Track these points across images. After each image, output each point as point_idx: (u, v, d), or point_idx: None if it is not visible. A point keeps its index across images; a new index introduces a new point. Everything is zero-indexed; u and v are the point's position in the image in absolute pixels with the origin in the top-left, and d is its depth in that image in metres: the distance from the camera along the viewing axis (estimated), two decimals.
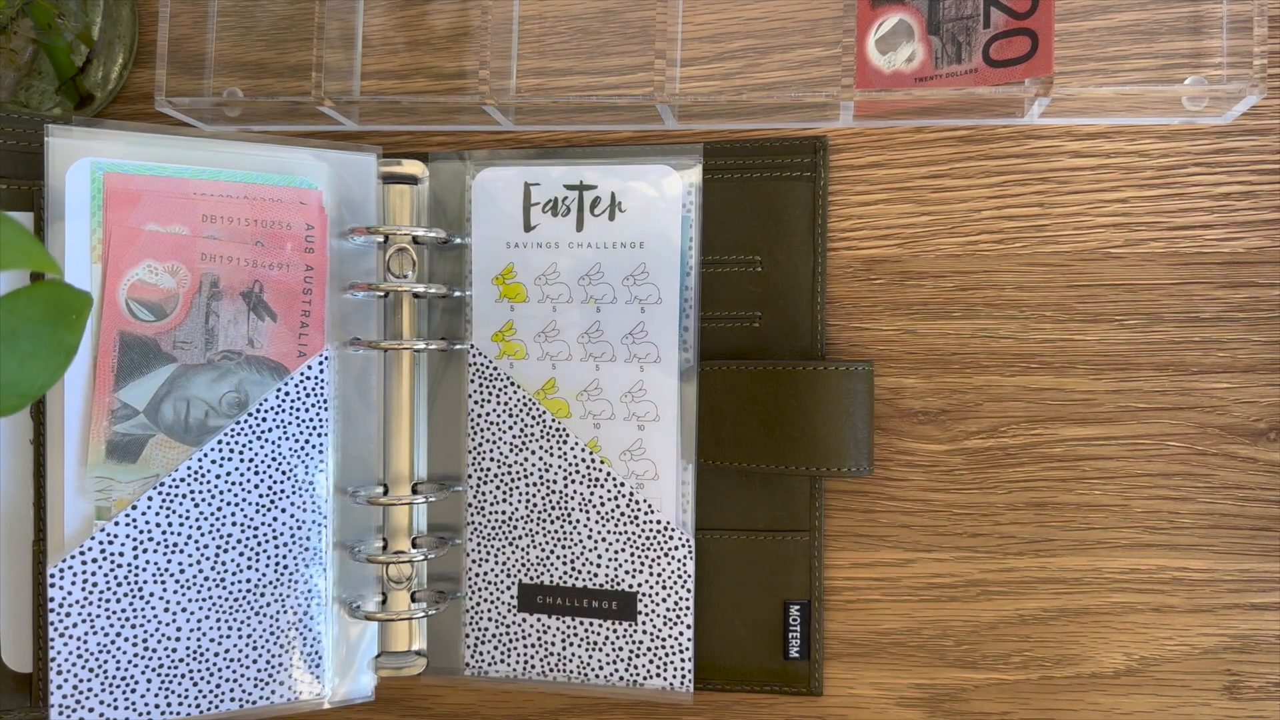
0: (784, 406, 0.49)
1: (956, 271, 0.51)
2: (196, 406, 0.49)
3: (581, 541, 0.52)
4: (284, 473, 0.50)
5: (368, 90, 0.55)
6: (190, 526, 0.48)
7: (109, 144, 0.48)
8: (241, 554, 0.49)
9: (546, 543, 0.52)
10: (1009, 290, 0.51)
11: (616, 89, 0.53)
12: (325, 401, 0.51)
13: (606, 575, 0.51)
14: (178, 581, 0.48)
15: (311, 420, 0.51)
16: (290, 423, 0.50)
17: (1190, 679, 0.50)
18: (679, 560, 0.51)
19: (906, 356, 0.51)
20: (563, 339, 0.52)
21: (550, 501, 0.52)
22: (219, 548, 0.49)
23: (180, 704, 0.48)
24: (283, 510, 0.50)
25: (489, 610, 0.53)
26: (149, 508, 0.48)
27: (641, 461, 0.51)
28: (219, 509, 0.49)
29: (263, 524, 0.50)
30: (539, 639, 0.52)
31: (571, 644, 0.52)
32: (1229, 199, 0.50)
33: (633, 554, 0.51)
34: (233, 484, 0.49)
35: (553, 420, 0.52)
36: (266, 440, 0.50)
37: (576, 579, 0.52)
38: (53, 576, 0.47)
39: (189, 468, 0.49)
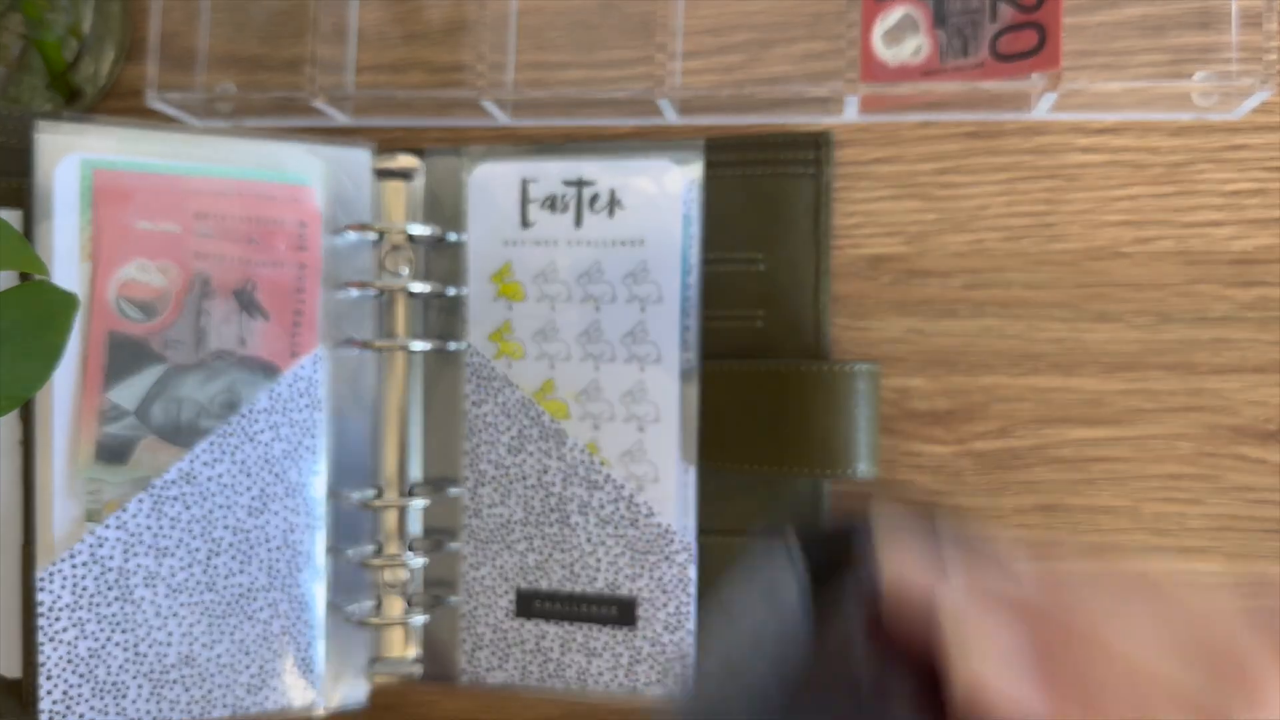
0: (787, 407, 0.48)
1: (963, 270, 0.51)
2: (187, 407, 0.48)
3: (580, 545, 0.51)
4: (276, 475, 0.50)
5: (362, 85, 0.54)
6: (181, 530, 0.48)
7: (99, 140, 0.48)
8: (233, 558, 0.49)
9: (544, 547, 0.51)
10: (1017, 289, 0.50)
11: (616, 83, 0.53)
12: (318, 402, 0.50)
13: (605, 580, 0.51)
14: (168, 585, 0.48)
15: (304, 421, 0.50)
16: (282, 424, 0.50)
17: None
18: (680, 565, 0.50)
19: (912, 356, 0.51)
20: (561, 338, 0.51)
21: (548, 504, 0.51)
22: (210, 551, 0.49)
23: (171, 710, 0.48)
24: (275, 513, 0.50)
25: (485, 616, 0.52)
26: (139, 510, 0.47)
27: (642, 463, 0.50)
28: (210, 512, 0.49)
29: (254, 527, 0.49)
30: (536, 645, 0.51)
31: (569, 650, 0.51)
32: (1239, 196, 0.49)
33: (632, 558, 0.51)
34: (224, 486, 0.49)
35: (551, 421, 0.51)
36: (258, 442, 0.49)
37: (575, 584, 0.51)
38: (42, 580, 0.46)
39: (180, 470, 0.48)
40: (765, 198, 0.51)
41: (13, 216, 0.49)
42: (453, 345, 0.52)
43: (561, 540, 0.51)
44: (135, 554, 0.47)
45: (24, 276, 0.47)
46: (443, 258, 0.53)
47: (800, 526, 0.33)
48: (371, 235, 0.51)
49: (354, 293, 0.51)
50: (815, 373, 0.48)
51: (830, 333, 0.51)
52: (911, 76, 0.48)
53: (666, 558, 0.50)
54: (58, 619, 0.46)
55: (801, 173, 0.51)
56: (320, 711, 0.51)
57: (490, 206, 0.52)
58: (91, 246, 0.47)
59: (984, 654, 0.26)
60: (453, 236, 0.53)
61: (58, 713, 0.46)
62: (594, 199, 0.51)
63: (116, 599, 0.47)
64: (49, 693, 0.46)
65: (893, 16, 0.48)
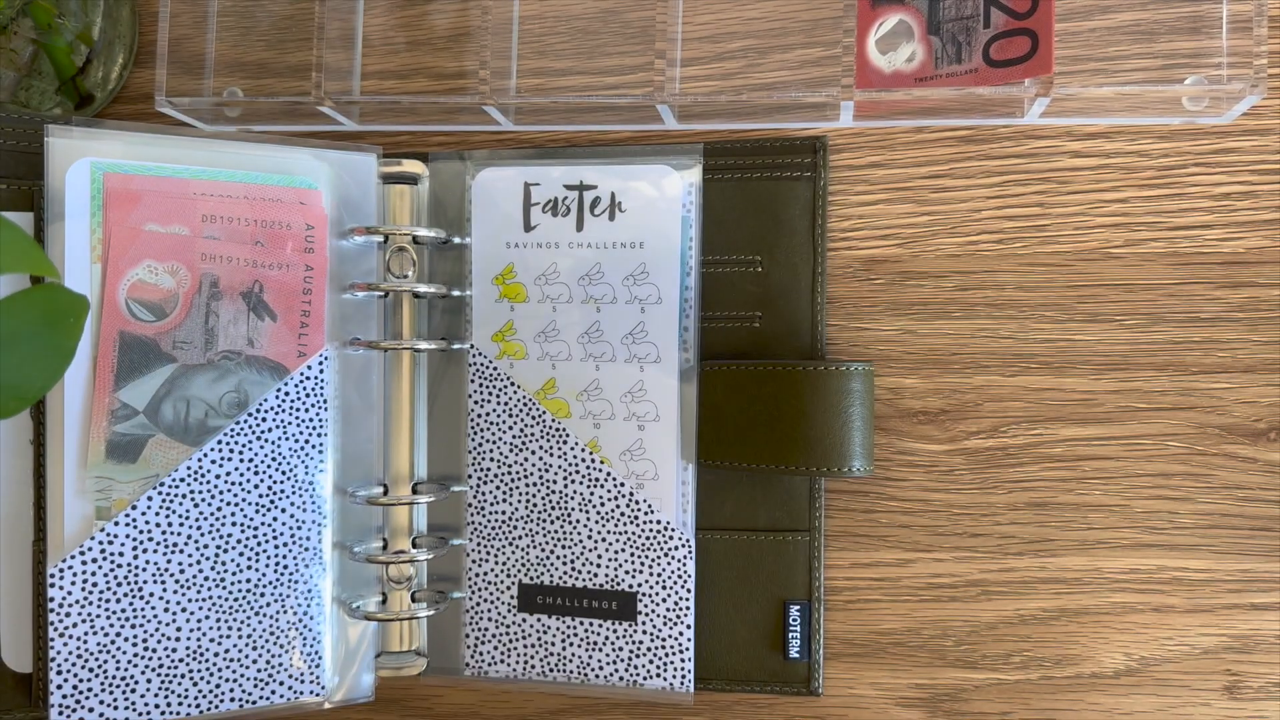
0: (784, 406, 0.49)
1: (956, 271, 0.51)
2: (196, 406, 0.49)
3: (581, 541, 0.52)
4: (284, 473, 0.50)
5: (368, 90, 0.55)
6: (190, 526, 0.48)
7: (109, 144, 0.48)
8: (241, 554, 0.49)
9: (546, 543, 0.52)
10: (1009, 290, 0.51)
11: (616, 89, 0.53)
12: (325, 401, 0.51)
13: (606, 575, 0.51)
14: (178, 581, 0.48)
15: (311, 420, 0.51)
16: (290, 423, 0.50)
17: (1190, 679, 0.50)
18: (679, 560, 0.51)
19: (906, 356, 0.51)
20: (563, 339, 0.52)
21: (550, 501, 0.52)
22: (219, 548, 0.49)
23: (180, 704, 0.48)
24: (283, 510, 0.50)
25: (489, 610, 0.53)
26: (149, 508, 0.48)
27: (641, 461, 0.51)
28: (219, 509, 0.49)
29: (262, 524, 0.50)
30: (539, 639, 0.52)
31: (571, 644, 0.52)
32: (1229, 199, 0.50)
33: (633, 554, 0.51)
34: (232, 484, 0.49)
35: (553, 420, 0.52)
36: (266, 440, 0.50)
37: (576, 579, 0.52)
38: (53, 576, 0.47)
39: (189, 468, 0.48)
40: (762, 201, 0.52)
41: (24, 219, 0.50)
42: (456, 345, 0.53)
43: (563, 536, 0.52)
44: (145, 550, 0.48)
45: (35, 279, 0.48)
46: (447, 260, 0.54)
47: None
48: (377, 238, 0.52)
49: (360, 294, 0.52)
50: (811, 372, 0.49)
51: (826, 333, 0.52)
52: (906, 83, 0.48)
53: (666, 553, 0.51)
54: (68, 614, 0.47)
55: (798, 177, 0.51)
56: (327, 705, 0.51)
57: (493, 210, 0.53)
58: (102, 249, 0.47)
59: None
60: (457, 239, 0.53)
61: (68, 707, 0.47)
62: (595, 203, 0.52)
63: (126, 595, 0.48)
64: (59, 687, 0.47)
65: (887, 24, 0.49)
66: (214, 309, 0.49)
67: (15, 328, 0.38)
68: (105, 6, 0.55)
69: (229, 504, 0.49)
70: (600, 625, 0.51)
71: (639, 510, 0.51)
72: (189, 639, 0.48)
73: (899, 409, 0.51)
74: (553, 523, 0.52)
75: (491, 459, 0.53)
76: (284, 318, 0.50)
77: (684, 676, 0.51)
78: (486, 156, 0.53)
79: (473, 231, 0.53)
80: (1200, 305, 0.50)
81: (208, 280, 0.49)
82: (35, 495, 0.49)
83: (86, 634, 0.47)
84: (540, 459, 0.52)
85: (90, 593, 0.47)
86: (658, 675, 0.51)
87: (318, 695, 0.51)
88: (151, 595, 0.48)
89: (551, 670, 0.52)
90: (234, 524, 0.49)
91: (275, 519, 0.50)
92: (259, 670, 0.50)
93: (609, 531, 0.51)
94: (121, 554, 0.47)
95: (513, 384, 0.52)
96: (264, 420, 0.50)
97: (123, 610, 0.48)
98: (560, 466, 0.52)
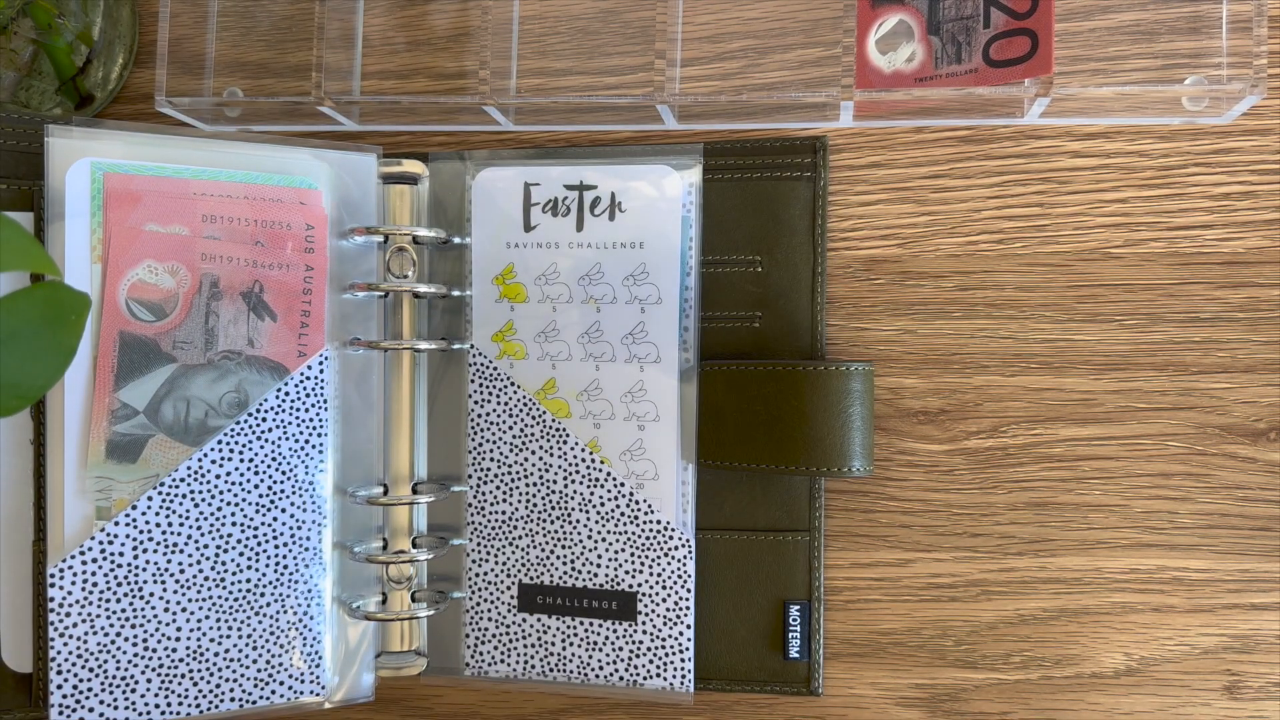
0: (784, 406, 0.49)
1: (956, 271, 0.51)
2: (196, 406, 0.49)
3: (581, 541, 0.52)
4: (284, 473, 0.50)
5: (368, 90, 0.55)
6: (190, 526, 0.48)
7: (109, 144, 0.48)
8: (241, 554, 0.49)
9: (546, 543, 0.52)
10: (1009, 290, 0.51)
11: (616, 89, 0.53)
12: (325, 401, 0.51)
13: (606, 575, 0.51)
14: (178, 581, 0.48)
15: (311, 420, 0.51)
16: (290, 423, 0.50)
17: (1190, 679, 0.50)
18: (679, 560, 0.51)
19: (906, 356, 0.51)
20: (563, 339, 0.52)
21: (550, 501, 0.52)
22: (219, 548, 0.49)
23: (180, 704, 0.48)
24: (283, 510, 0.50)
25: (489, 610, 0.53)
26: (149, 508, 0.48)
27: (641, 461, 0.51)
28: (219, 509, 0.49)
29: (263, 524, 0.50)
30: (539, 639, 0.52)
31: (571, 644, 0.52)
32: (1229, 199, 0.50)
33: (633, 554, 0.51)
34: (233, 484, 0.49)
35: (553, 420, 0.52)
36: (266, 440, 0.50)
37: (576, 579, 0.52)
38: (53, 576, 0.47)
39: (189, 468, 0.49)
40: (762, 201, 0.52)
41: (24, 219, 0.50)
42: (456, 345, 0.53)
43: (563, 536, 0.52)
44: (145, 550, 0.48)
45: (35, 278, 0.48)
46: (447, 260, 0.54)
47: None
48: (377, 238, 0.52)
49: (360, 294, 0.52)
50: (811, 372, 0.49)
51: (826, 333, 0.52)
52: (905, 83, 0.49)
53: (666, 553, 0.51)
54: (68, 614, 0.47)
55: (798, 177, 0.51)
56: (327, 705, 0.51)
57: (493, 210, 0.53)
58: (102, 249, 0.47)
59: None
60: (457, 239, 0.53)
61: (68, 706, 0.47)
62: (595, 203, 0.52)
63: (126, 594, 0.48)
64: (59, 687, 0.47)
65: (887, 24, 0.49)
66: (214, 309, 0.49)
67: (16, 325, 0.38)
68: (105, 6, 0.55)
69: (229, 504, 0.49)
70: (600, 625, 0.51)
71: (639, 510, 0.51)
72: (189, 639, 0.49)
73: (899, 409, 0.51)
74: (553, 523, 0.52)
75: (491, 459, 0.53)
76: (284, 318, 0.50)
77: (684, 676, 0.51)
78: (486, 156, 0.53)
79: (473, 231, 0.53)
80: (1200, 305, 0.50)
81: (208, 280, 0.49)
82: (35, 495, 0.49)
83: (86, 634, 0.47)
84: (540, 459, 0.52)
85: (90, 593, 0.47)
86: (658, 675, 0.51)
87: (318, 695, 0.51)
88: (151, 595, 0.48)
89: (551, 670, 0.52)
90: (234, 524, 0.49)
91: (275, 519, 0.50)
92: (259, 670, 0.50)
93: (609, 531, 0.51)
94: (121, 554, 0.48)
95: (513, 384, 0.52)
96: (264, 420, 0.50)
97: (123, 610, 0.48)
98: (560, 466, 0.52)
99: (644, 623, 0.51)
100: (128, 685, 0.48)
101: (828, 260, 0.52)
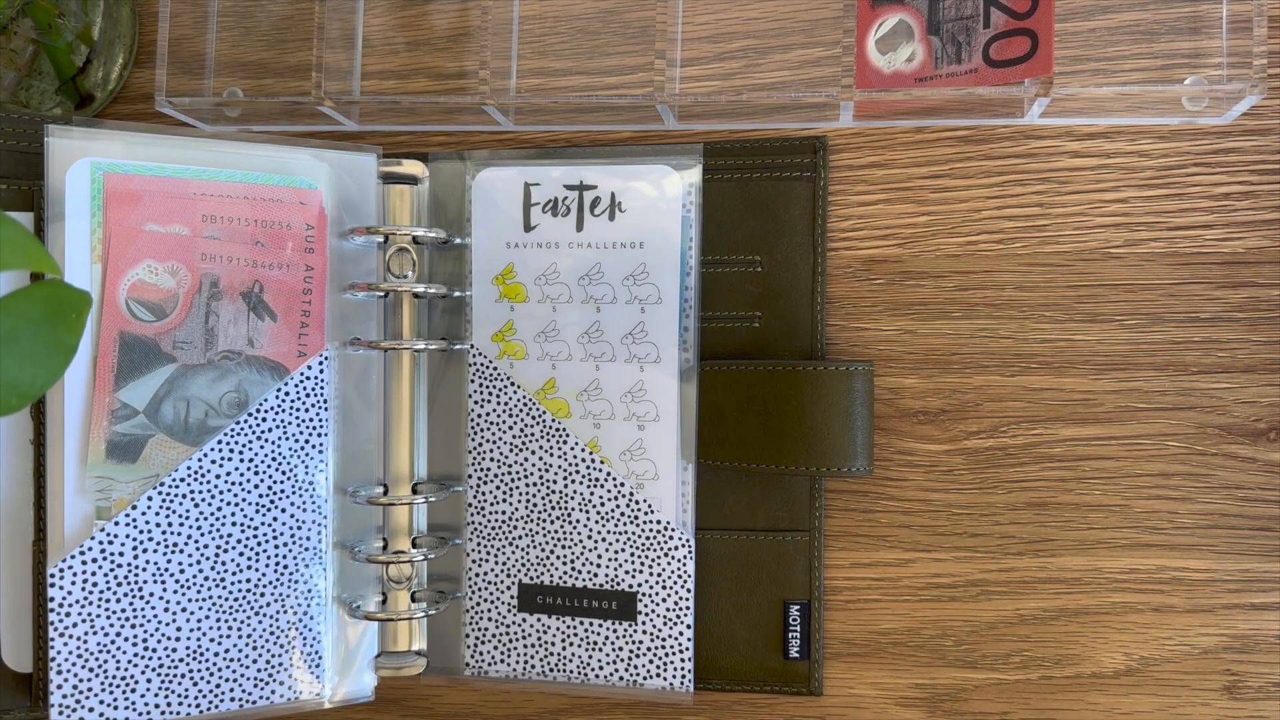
0: (784, 406, 0.49)
1: (956, 271, 0.51)
2: (196, 406, 0.49)
3: (581, 541, 0.52)
4: (284, 473, 0.50)
5: (368, 90, 0.55)
6: (190, 526, 0.48)
7: (109, 144, 0.48)
8: (241, 554, 0.49)
9: (546, 543, 0.52)
10: (1009, 290, 0.51)
11: (616, 89, 0.53)
12: (325, 401, 0.51)
13: (606, 575, 0.51)
14: (178, 581, 0.48)
15: (311, 420, 0.51)
16: (290, 423, 0.50)
17: (1190, 679, 0.50)
18: (679, 560, 0.51)
19: (906, 356, 0.51)
20: (563, 339, 0.52)
21: (550, 501, 0.52)
22: (219, 548, 0.49)
23: (180, 704, 0.48)
24: (283, 510, 0.50)
25: (489, 610, 0.53)
26: (149, 508, 0.48)
27: (641, 461, 0.51)
28: (219, 509, 0.49)
29: (263, 524, 0.50)
30: (539, 639, 0.52)
31: (571, 644, 0.52)
32: (1229, 199, 0.50)
33: (633, 554, 0.51)
34: (233, 484, 0.49)
35: (553, 420, 0.52)
36: (266, 440, 0.50)
37: (576, 579, 0.52)
38: (53, 576, 0.47)
39: (189, 468, 0.49)
40: (762, 201, 0.52)
41: (24, 219, 0.50)
42: (456, 345, 0.53)
43: (563, 536, 0.52)
44: (145, 550, 0.48)
45: (35, 277, 0.48)
46: (447, 260, 0.54)
47: None
48: (377, 238, 0.52)
49: (360, 294, 0.52)
50: (811, 372, 0.49)
51: (826, 333, 0.52)
52: (905, 83, 0.49)
53: (666, 553, 0.51)
54: (68, 614, 0.47)
55: (798, 177, 0.51)
56: (327, 704, 0.51)
57: (493, 210, 0.53)
58: (102, 249, 0.48)
59: None
60: (457, 239, 0.53)
61: (68, 706, 0.47)
62: (595, 203, 0.52)
63: (126, 594, 0.48)
64: (59, 686, 0.47)
65: (887, 24, 0.49)
66: (214, 309, 0.49)
67: (17, 324, 0.38)
68: (105, 6, 0.55)
69: (229, 504, 0.49)
70: (600, 625, 0.51)
71: (639, 510, 0.51)
72: (189, 639, 0.49)
73: (899, 409, 0.51)
74: (553, 523, 0.52)
75: (491, 459, 0.53)
76: (284, 318, 0.50)
77: (684, 676, 0.51)
78: (486, 156, 0.53)
79: (473, 231, 0.53)
80: (1200, 305, 0.50)
81: (208, 280, 0.49)
82: (35, 495, 0.49)
83: (86, 634, 0.47)
84: (540, 459, 0.52)
85: (90, 593, 0.47)
86: (658, 675, 0.51)
87: (318, 695, 0.51)
88: (151, 595, 0.48)
89: (551, 670, 0.52)
90: (234, 524, 0.49)
91: (275, 519, 0.50)
92: (259, 670, 0.50)
93: (609, 531, 0.51)
94: (121, 554, 0.48)
95: (513, 384, 0.52)
96: (264, 420, 0.50)
97: (123, 610, 0.48)
98: (560, 466, 0.52)
99: (644, 623, 0.51)
100: (128, 685, 0.48)
101: (828, 260, 0.52)
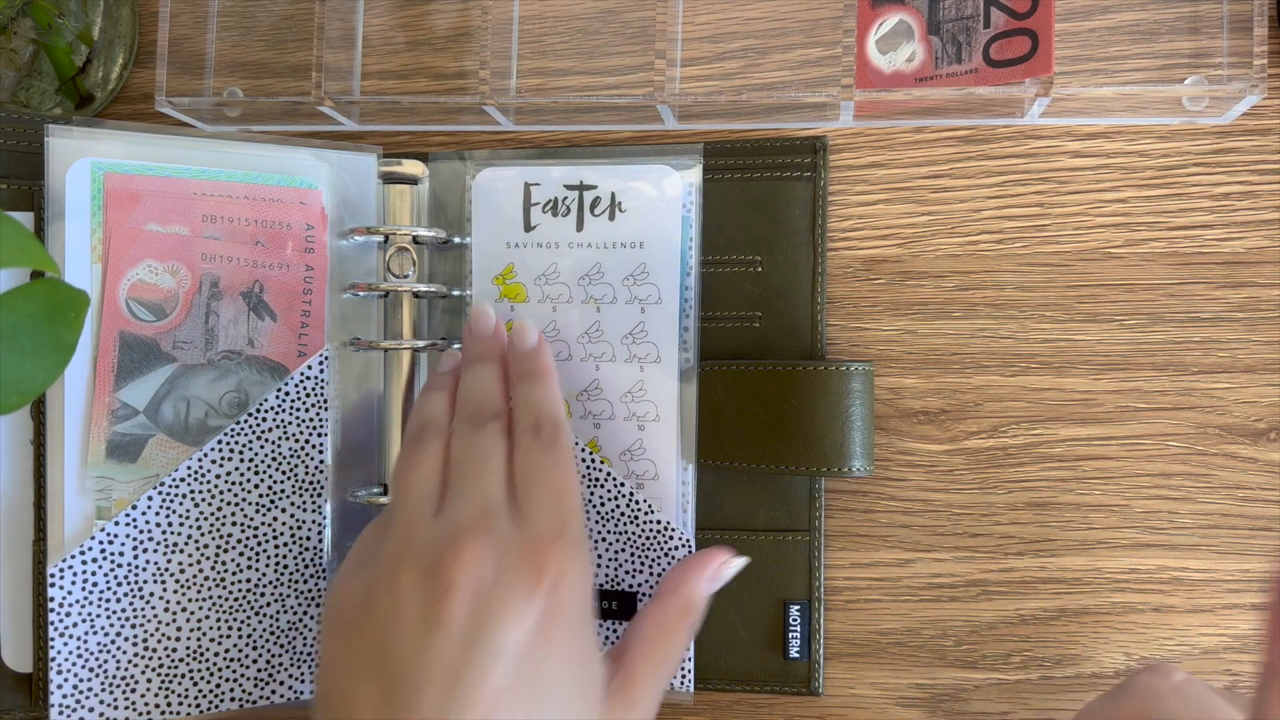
0: (784, 406, 0.49)
1: (956, 271, 0.51)
2: (196, 406, 0.49)
3: None
4: (284, 472, 0.50)
5: (368, 90, 0.55)
6: (190, 526, 0.49)
7: (109, 144, 0.48)
8: (241, 554, 0.49)
9: None
10: (1009, 290, 0.51)
11: (616, 89, 0.53)
12: (325, 401, 0.51)
13: (606, 575, 0.51)
14: (178, 581, 0.48)
15: (311, 420, 0.51)
16: (290, 423, 0.50)
17: None
18: (679, 560, 0.51)
19: (906, 356, 0.51)
20: (562, 339, 0.52)
21: None
22: (219, 548, 0.49)
23: (180, 704, 0.48)
24: (283, 510, 0.50)
25: None
26: (149, 507, 0.48)
27: (641, 461, 0.51)
28: (219, 509, 0.49)
29: (263, 524, 0.50)
30: None
31: None
32: (1229, 199, 0.50)
33: (632, 554, 0.51)
34: (233, 484, 0.49)
35: None
36: (266, 440, 0.50)
37: None
38: (53, 576, 0.47)
39: (189, 468, 0.49)
40: (763, 201, 0.52)
41: (24, 219, 0.50)
42: (457, 346, 0.53)
43: None
44: (145, 550, 0.48)
45: (34, 276, 0.48)
46: (447, 260, 0.54)
47: None
48: (377, 238, 0.52)
49: (360, 294, 0.52)
50: (812, 373, 0.49)
51: (826, 333, 0.52)
52: (906, 83, 0.49)
53: (666, 554, 0.51)
54: (68, 614, 0.47)
55: (798, 177, 0.51)
56: None
57: (493, 210, 0.53)
58: (102, 248, 0.48)
59: None
60: (457, 239, 0.53)
61: (68, 706, 0.47)
62: (595, 203, 0.52)
63: (126, 594, 0.48)
64: (59, 686, 0.47)
65: (887, 23, 0.49)
66: (214, 309, 0.49)
67: (16, 322, 0.38)
68: (105, 6, 0.55)
69: (229, 504, 0.49)
70: (600, 625, 0.51)
71: (639, 510, 0.51)
72: (189, 639, 0.49)
73: (899, 409, 0.51)
74: None
75: None
76: (284, 318, 0.50)
77: (684, 676, 0.51)
78: (486, 156, 0.53)
79: (473, 231, 0.53)
80: (1200, 305, 0.50)
81: (208, 280, 0.49)
82: (35, 495, 0.49)
83: (86, 634, 0.47)
84: None
85: (90, 592, 0.47)
86: None
87: None
88: (151, 595, 0.48)
89: None
90: (234, 524, 0.49)
91: (275, 519, 0.50)
92: (259, 670, 0.50)
93: (609, 531, 0.51)
94: (121, 554, 0.48)
95: None
96: (264, 420, 0.50)
97: (123, 610, 0.48)
98: None
99: None
100: (128, 685, 0.48)
101: (828, 260, 0.52)
